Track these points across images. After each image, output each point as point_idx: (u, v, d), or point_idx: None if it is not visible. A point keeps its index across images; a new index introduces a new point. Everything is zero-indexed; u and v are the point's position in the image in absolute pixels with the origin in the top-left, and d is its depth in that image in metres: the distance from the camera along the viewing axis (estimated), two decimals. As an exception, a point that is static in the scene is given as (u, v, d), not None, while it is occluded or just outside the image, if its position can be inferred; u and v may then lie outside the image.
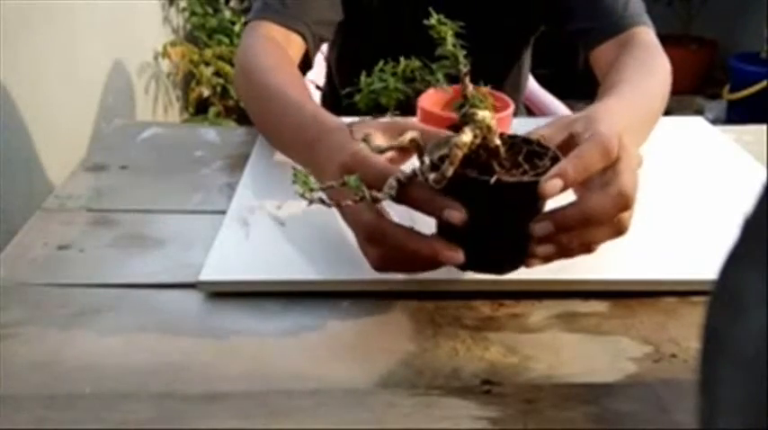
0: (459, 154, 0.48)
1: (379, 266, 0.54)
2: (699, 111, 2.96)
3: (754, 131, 0.90)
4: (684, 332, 0.54)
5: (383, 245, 0.52)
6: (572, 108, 0.64)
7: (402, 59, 0.51)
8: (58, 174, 1.36)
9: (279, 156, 0.77)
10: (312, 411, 0.46)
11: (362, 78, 0.51)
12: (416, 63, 0.50)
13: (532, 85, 1.37)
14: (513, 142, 0.54)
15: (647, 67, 0.78)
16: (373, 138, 0.53)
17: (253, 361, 0.51)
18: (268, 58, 0.80)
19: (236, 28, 2.38)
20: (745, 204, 0.26)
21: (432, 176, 0.49)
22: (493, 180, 0.49)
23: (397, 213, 0.54)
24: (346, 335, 0.54)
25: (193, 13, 2.39)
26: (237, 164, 0.79)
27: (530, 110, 1.35)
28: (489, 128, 0.50)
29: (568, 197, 0.52)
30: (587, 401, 0.48)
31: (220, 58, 2.28)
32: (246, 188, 0.72)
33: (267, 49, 0.82)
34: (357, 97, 0.51)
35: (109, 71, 1.83)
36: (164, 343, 0.52)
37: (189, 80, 2.35)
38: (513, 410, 0.47)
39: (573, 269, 0.56)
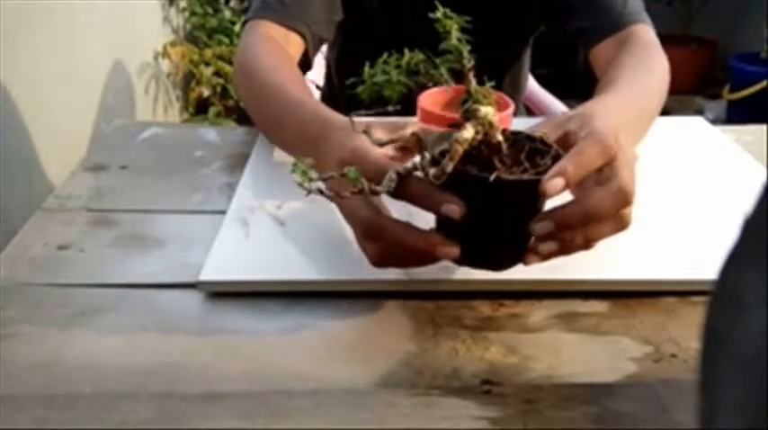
0: (460, 149, 0.48)
1: (378, 262, 0.54)
2: (699, 112, 2.96)
3: (754, 131, 0.90)
4: (684, 332, 0.54)
5: (381, 240, 0.52)
6: (572, 108, 0.64)
7: (406, 52, 0.50)
8: (57, 174, 1.36)
9: (279, 156, 0.77)
10: (312, 411, 0.46)
11: (366, 70, 0.50)
12: (420, 56, 0.50)
13: (532, 84, 1.37)
14: (516, 139, 0.54)
15: (644, 65, 0.78)
16: (374, 131, 0.53)
17: (253, 361, 0.51)
18: (267, 57, 0.80)
19: (236, 28, 2.38)
20: (745, 204, 0.26)
21: (432, 171, 0.49)
22: (492, 177, 0.48)
23: (395, 210, 0.54)
24: (346, 335, 0.54)
25: (193, 13, 2.39)
26: (237, 164, 0.79)
27: (529, 110, 1.35)
28: (491, 124, 0.49)
29: (564, 195, 0.52)
30: (587, 401, 0.48)
31: (220, 58, 2.28)
32: (246, 188, 0.72)
33: (266, 48, 0.82)
34: (360, 88, 0.50)
35: (109, 71, 1.83)
36: (163, 343, 0.52)
37: (189, 80, 2.35)
38: (513, 410, 0.47)
39: (573, 269, 0.56)
